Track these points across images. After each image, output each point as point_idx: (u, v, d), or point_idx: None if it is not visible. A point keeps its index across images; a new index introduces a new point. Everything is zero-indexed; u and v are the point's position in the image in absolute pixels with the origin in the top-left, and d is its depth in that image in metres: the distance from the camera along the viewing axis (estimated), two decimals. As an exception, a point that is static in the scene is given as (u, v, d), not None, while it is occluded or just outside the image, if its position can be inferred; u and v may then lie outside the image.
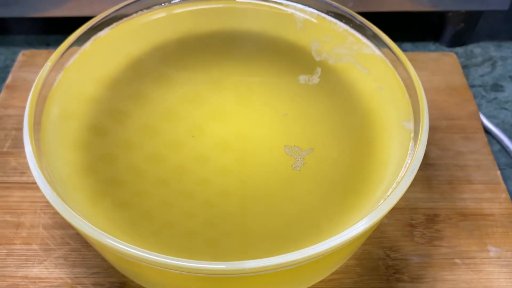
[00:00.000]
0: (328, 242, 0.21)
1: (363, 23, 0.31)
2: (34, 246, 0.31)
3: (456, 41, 0.45)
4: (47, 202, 0.34)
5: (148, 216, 0.25)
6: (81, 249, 0.31)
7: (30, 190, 0.34)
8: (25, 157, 0.36)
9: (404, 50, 0.45)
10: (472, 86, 0.42)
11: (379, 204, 0.23)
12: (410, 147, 0.26)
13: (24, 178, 0.35)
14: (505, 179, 0.36)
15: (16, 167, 0.35)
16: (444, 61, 0.42)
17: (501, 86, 0.42)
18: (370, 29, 0.31)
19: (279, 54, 0.31)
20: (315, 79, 0.29)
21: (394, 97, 0.29)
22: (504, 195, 0.34)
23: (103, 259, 0.31)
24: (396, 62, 0.30)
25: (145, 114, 0.28)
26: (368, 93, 0.29)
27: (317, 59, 0.31)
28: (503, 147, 0.38)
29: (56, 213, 0.33)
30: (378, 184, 0.25)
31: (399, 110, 0.28)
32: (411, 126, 0.27)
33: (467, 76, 0.43)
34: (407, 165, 0.24)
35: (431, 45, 0.46)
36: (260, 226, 0.24)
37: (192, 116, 0.29)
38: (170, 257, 0.21)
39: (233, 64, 0.31)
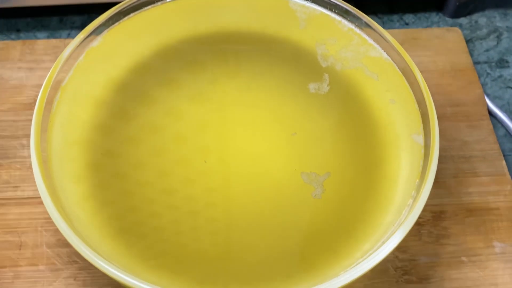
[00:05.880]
0: (349, 274, 0.26)
1: (369, 24, 0.34)
2: (41, 267, 0.35)
3: (461, 12, 0.48)
4: (47, 218, 0.37)
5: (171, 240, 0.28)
6: (90, 267, 0.35)
7: (27, 205, 0.37)
8: (16, 169, 0.38)
9: (406, 24, 0.47)
10: (477, 63, 0.46)
11: (390, 231, 0.27)
12: (420, 165, 0.30)
13: (18, 193, 0.37)
14: (509, 166, 0.41)
15: (8, 181, 0.38)
16: (448, 38, 0.45)
17: (507, 62, 0.46)
18: (376, 30, 0.34)
19: (284, 59, 0.34)
20: (325, 87, 0.32)
21: (404, 108, 0.32)
22: (509, 187, 0.38)
23: (115, 278, 0.34)
24: (403, 65, 0.33)
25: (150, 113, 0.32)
26: (378, 101, 0.32)
27: (324, 65, 0.34)
28: (508, 132, 0.42)
29: (58, 231, 0.36)
30: (389, 208, 0.29)
31: (409, 121, 0.32)
32: (421, 140, 0.31)
33: (471, 51, 0.46)
34: (417, 193, 0.28)
35: (434, 16, 0.49)
36: (281, 254, 0.28)
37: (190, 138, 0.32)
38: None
39: (234, 67, 0.34)
